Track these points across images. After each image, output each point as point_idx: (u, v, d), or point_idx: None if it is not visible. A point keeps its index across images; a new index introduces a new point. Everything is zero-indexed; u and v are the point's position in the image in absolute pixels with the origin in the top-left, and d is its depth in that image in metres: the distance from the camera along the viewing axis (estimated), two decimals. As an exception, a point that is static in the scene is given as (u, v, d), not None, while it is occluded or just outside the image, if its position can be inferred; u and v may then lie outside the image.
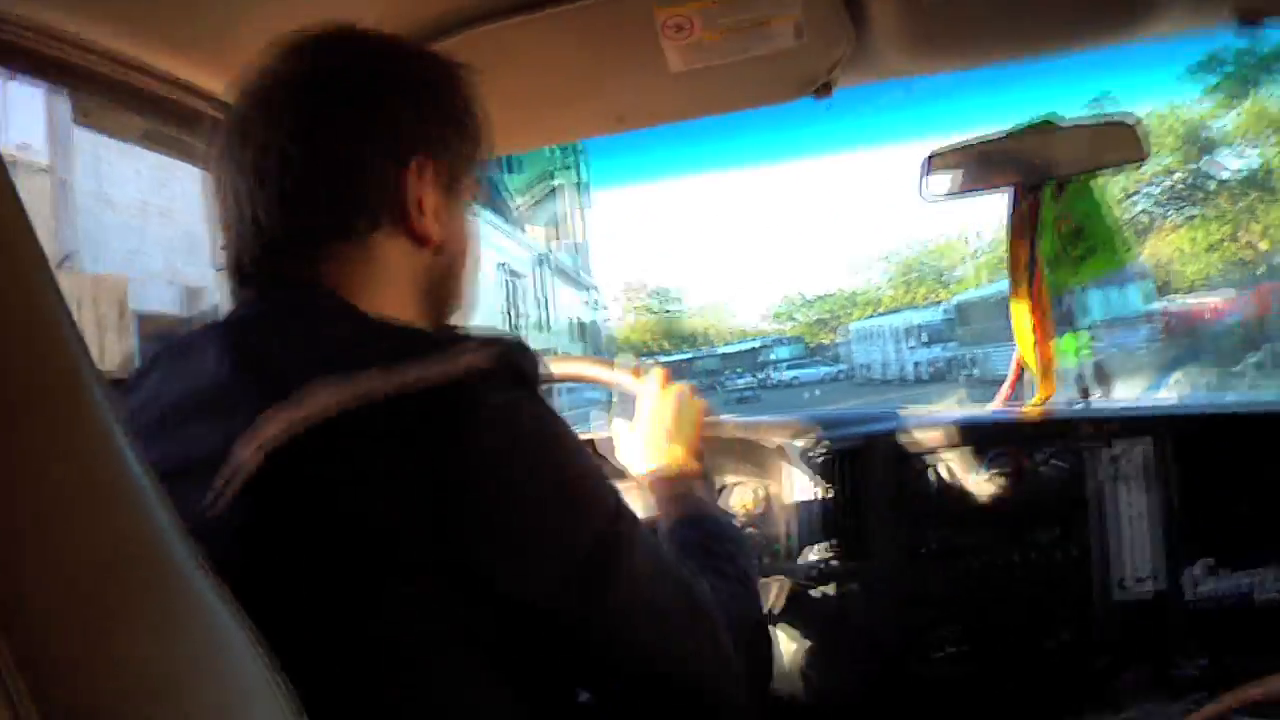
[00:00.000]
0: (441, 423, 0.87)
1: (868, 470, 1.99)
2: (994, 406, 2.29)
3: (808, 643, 1.97)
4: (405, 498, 0.84)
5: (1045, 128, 2.02)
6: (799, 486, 2.04)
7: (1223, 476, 1.84)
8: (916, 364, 36.70)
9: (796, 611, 1.96)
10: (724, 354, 57.32)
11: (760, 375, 49.72)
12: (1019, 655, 1.88)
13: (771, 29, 1.65)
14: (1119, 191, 30.77)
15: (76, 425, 0.56)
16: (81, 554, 0.54)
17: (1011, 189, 2.09)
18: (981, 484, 1.93)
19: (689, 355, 59.15)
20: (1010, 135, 2.04)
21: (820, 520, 2.01)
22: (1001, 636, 1.89)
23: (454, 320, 1.20)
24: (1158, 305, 25.69)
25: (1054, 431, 1.91)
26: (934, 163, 2.05)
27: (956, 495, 1.95)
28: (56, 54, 1.43)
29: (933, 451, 1.98)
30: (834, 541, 1.98)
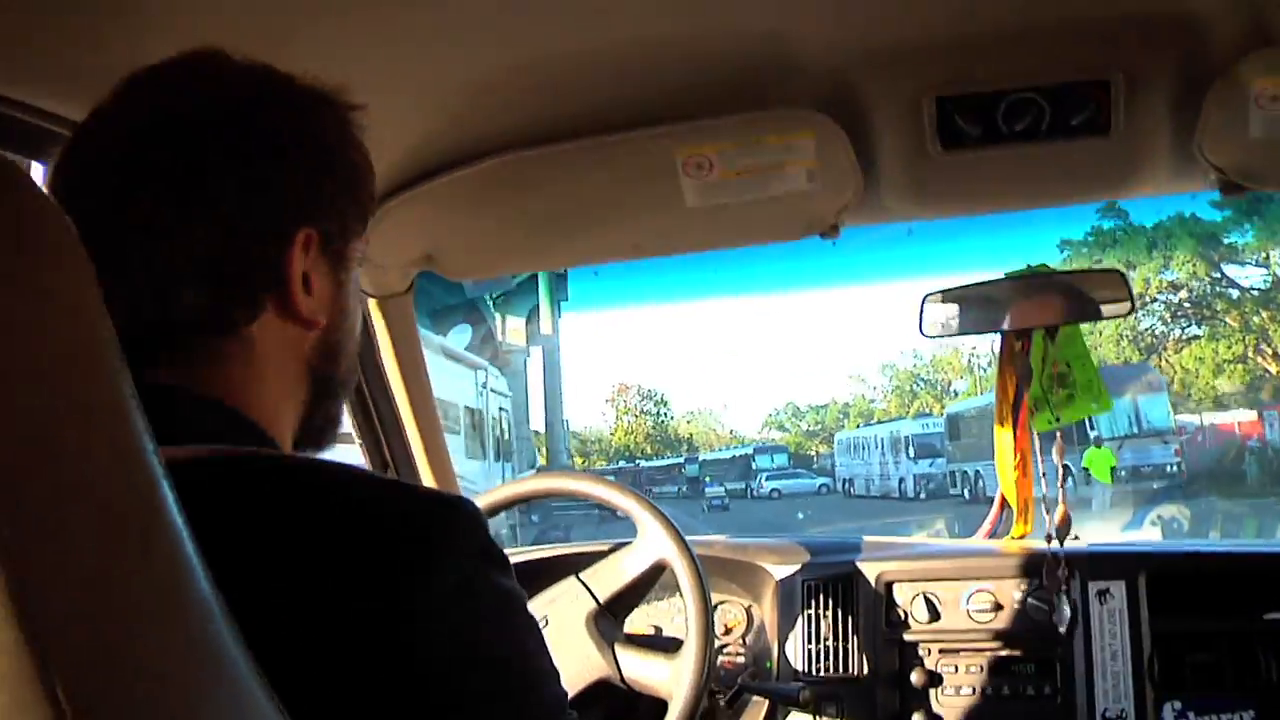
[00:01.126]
0: (394, 584, 0.77)
1: (852, 596, 2.05)
2: (976, 539, 2.35)
3: None
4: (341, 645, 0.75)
5: (1039, 274, 2.11)
6: (784, 609, 2.10)
7: (1198, 617, 1.89)
8: (902, 480, 34.41)
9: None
10: (705, 461, 54.79)
11: (742, 484, 46.99)
12: None
13: (785, 173, 1.73)
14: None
15: (150, 538, 0.57)
16: (153, 660, 0.54)
17: (1003, 332, 2.16)
18: (962, 615, 1.98)
19: (671, 461, 56.95)
20: (1005, 280, 2.12)
21: (804, 643, 2.06)
22: None
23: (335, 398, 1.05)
24: (1174, 422, 24.80)
25: (1033, 568, 1.96)
26: (929, 302, 2.13)
27: (938, 625, 1.99)
28: None
29: (916, 581, 2.03)
30: (816, 664, 2.03)
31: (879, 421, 45.87)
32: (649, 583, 1.84)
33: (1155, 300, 29.34)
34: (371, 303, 2.09)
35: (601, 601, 1.80)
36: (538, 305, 32.33)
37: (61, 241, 0.57)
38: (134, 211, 0.87)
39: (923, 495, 31.94)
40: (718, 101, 1.64)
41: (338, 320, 0.99)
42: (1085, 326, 2.17)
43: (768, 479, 44.65)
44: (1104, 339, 29.81)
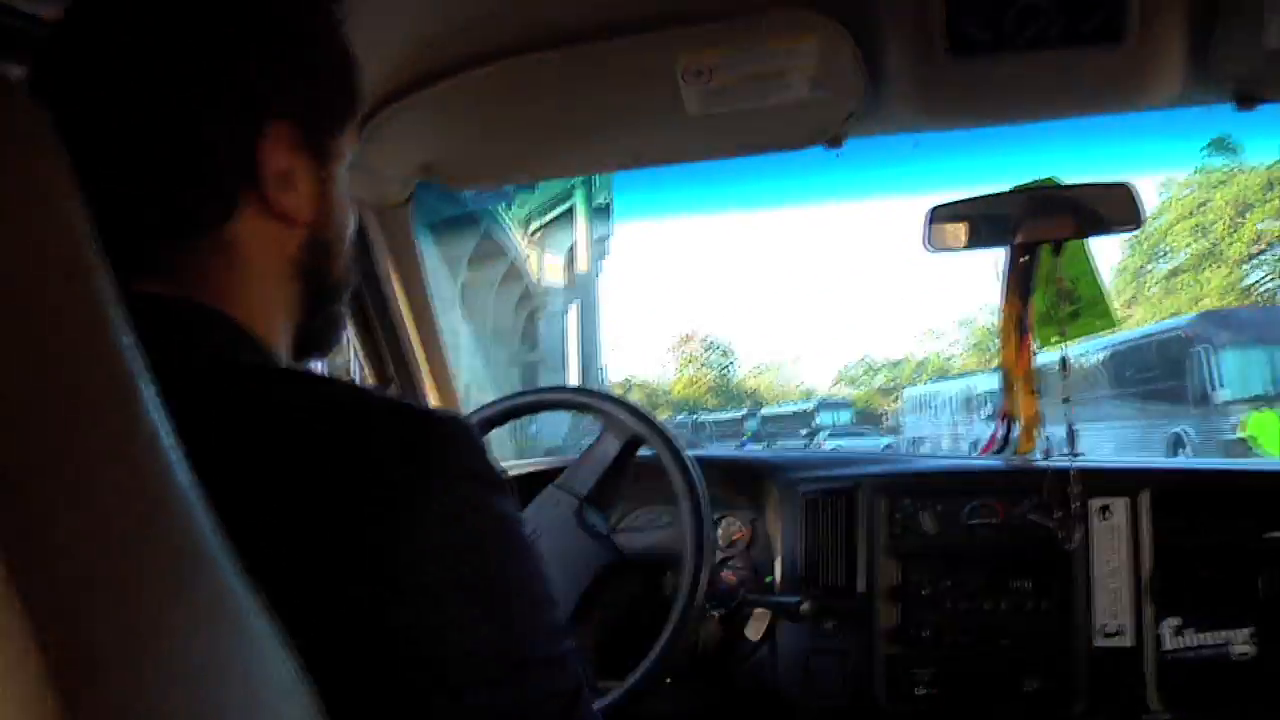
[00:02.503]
0: (388, 504, 0.77)
1: (855, 509, 2.04)
2: (978, 455, 2.34)
3: (789, 675, 2.02)
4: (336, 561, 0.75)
5: (1046, 188, 2.08)
6: (787, 522, 2.10)
7: (1199, 534, 1.89)
8: (975, 443, 29.35)
9: (778, 643, 2.01)
10: (766, 417, 51.29)
11: (802, 443, 41.74)
12: (994, 698, 1.92)
13: (788, 80, 1.70)
14: (1238, 255, 28.13)
15: (127, 428, 0.57)
16: (128, 554, 0.54)
17: (1009, 246, 2.14)
18: (964, 530, 1.98)
19: (731, 415, 54.20)
20: (1012, 194, 2.10)
21: (806, 555, 2.06)
22: (978, 679, 1.93)
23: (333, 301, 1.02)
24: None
25: (1035, 483, 1.96)
26: (936, 216, 2.11)
27: (940, 539, 1.99)
28: None
29: (919, 495, 2.03)
30: (817, 577, 2.04)
31: (952, 376, 41.61)
32: (625, 466, 1.83)
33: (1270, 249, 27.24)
34: (370, 214, 2.07)
35: (583, 496, 1.80)
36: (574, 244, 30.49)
37: (35, 131, 0.56)
38: (103, 111, 0.84)
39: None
40: (718, 6, 1.61)
41: (324, 218, 0.96)
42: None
43: (829, 437, 40.36)
44: (1209, 290, 28.48)
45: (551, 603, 0.87)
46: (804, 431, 44.50)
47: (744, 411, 54.63)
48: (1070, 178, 2.07)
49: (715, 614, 1.97)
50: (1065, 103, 1.86)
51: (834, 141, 1.87)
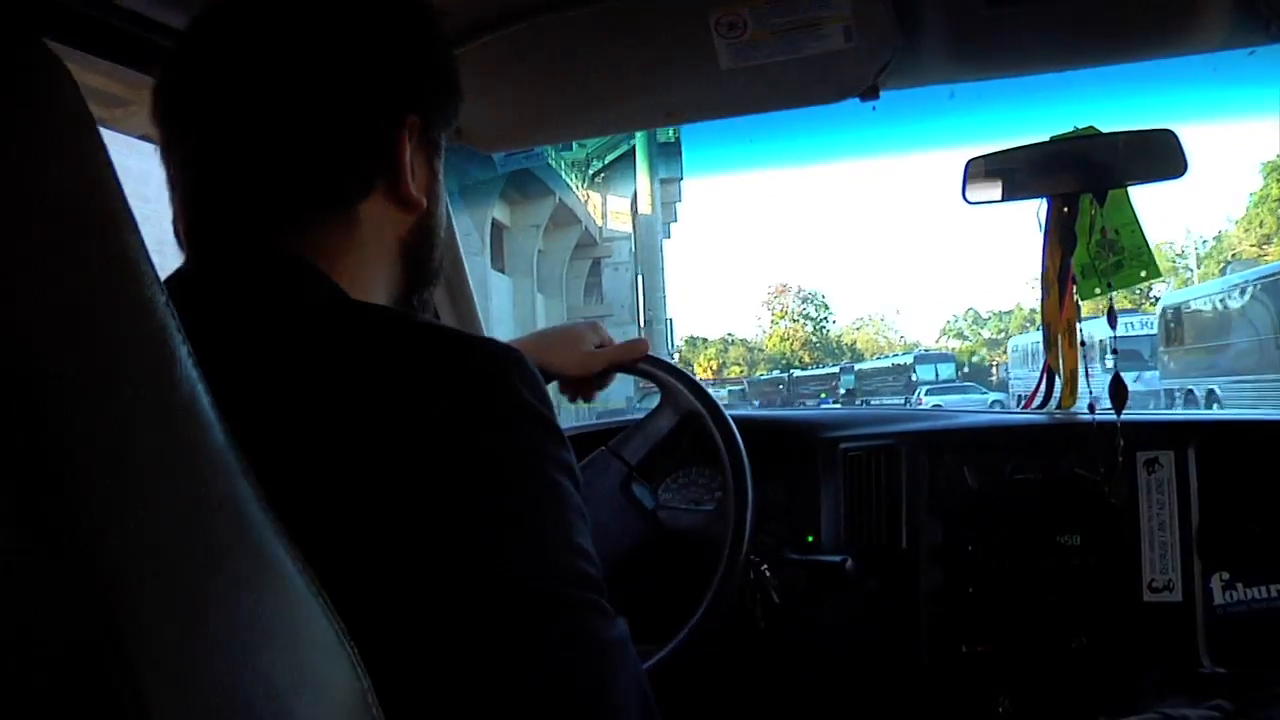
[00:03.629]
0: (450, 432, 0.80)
1: (897, 467, 2.02)
2: (1021, 410, 2.32)
3: (832, 634, 2.01)
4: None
5: (1086, 136, 2.04)
6: (828, 481, 2.08)
7: (1250, 488, 1.86)
8: (1094, 399, 19.03)
9: (822, 603, 2.00)
10: (862, 372, 47.82)
11: (899, 399, 39.50)
12: (1041, 656, 1.91)
13: (822, 30, 1.68)
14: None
15: (164, 389, 0.57)
16: (168, 516, 0.55)
17: (1049, 197, 2.10)
18: (1007, 486, 1.95)
19: (826, 371, 51.11)
20: (1051, 143, 2.06)
21: (848, 515, 2.05)
22: (1024, 636, 1.92)
23: (427, 285, 1.11)
24: None
25: (1080, 437, 1.93)
26: (973, 168, 2.08)
27: (983, 496, 1.97)
28: None
29: (961, 452, 2.01)
30: (859, 536, 2.02)
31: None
32: (678, 441, 1.80)
33: None
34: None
35: (633, 464, 1.78)
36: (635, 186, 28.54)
37: (74, 103, 0.57)
38: (255, 106, 0.93)
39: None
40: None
41: (433, 206, 1.05)
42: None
43: (927, 393, 37.34)
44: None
45: (586, 554, 0.85)
46: (901, 387, 41.70)
47: (837, 368, 51.86)
48: (1113, 126, 2.03)
49: (762, 567, 1.95)
50: (1104, 50, 1.82)
51: (869, 94, 1.84)
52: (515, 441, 0.84)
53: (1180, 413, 2.17)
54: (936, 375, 41.33)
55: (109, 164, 0.57)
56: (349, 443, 0.78)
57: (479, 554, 0.78)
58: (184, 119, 0.97)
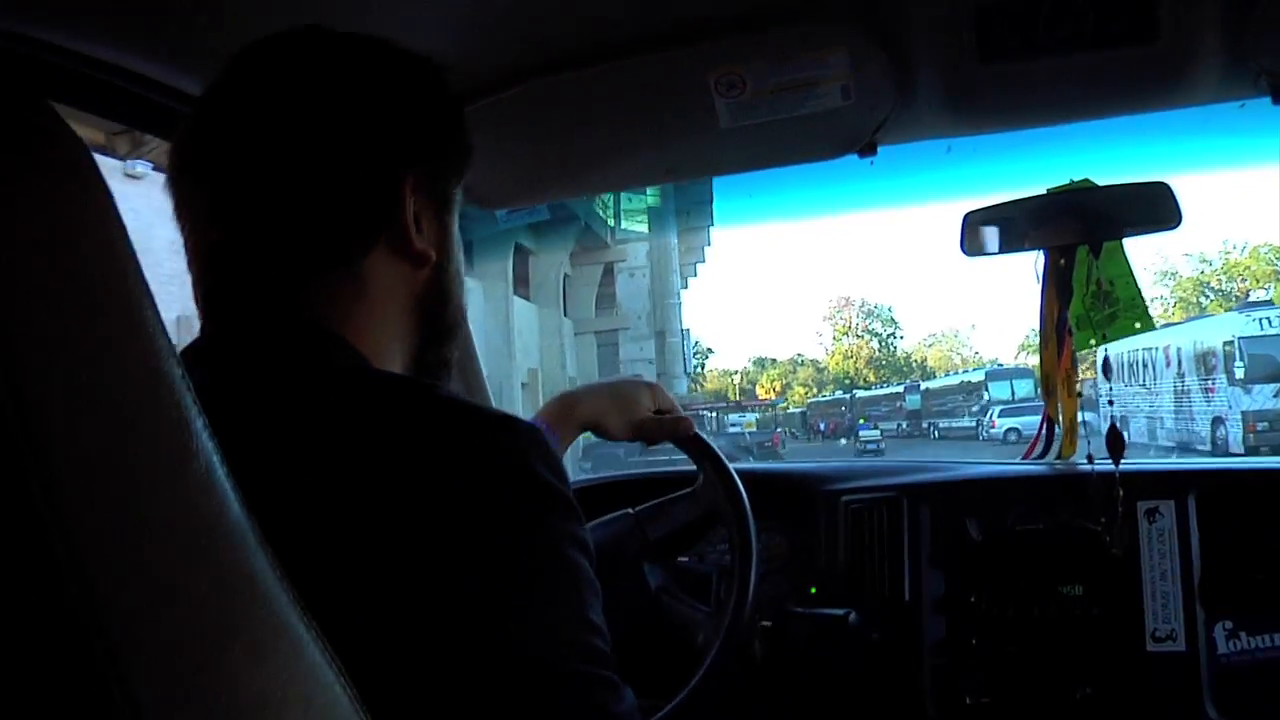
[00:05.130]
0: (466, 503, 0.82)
1: (899, 519, 2.03)
2: (1021, 460, 2.33)
3: (836, 687, 2.01)
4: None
5: (1081, 189, 2.07)
6: (829, 533, 2.09)
7: (1252, 536, 1.87)
8: (1221, 422, 19.88)
9: (826, 656, 2.00)
10: (929, 390, 43.61)
11: (971, 422, 36.03)
12: (1046, 706, 1.90)
13: (820, 89, 1.70)
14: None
15: (181, 462, 0.57)
16: (184, 590, 0.55)
17: (1046, 249, 2.12)
18: (1009, 537, 1.96)
19: (890, 390, 47.34)
20: (1047, 196, 2.08)
21: (849, 567, 2.05)
22: (1029, 687, 1.92)
23: (446, 341, 1.12)
24: None
25: (1081, 488, 1.94)
26: (971, 220, 2.10)
27: (986, 547, 1.98)
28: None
29: (963, 503, 2.02)
30: (862, 588, 2.03)
31: (1169, 324, 29.77)
32: (701, 531, 1.82)
33: None
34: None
35: (653, 541, 1.78)
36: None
37: (80, 161, 0.57)
38: (260, 170, 0.95)
39: (1264, 449, 17.90)
40: (748, 18, 1.61)
41: (444, 261, 1.06)
42: None
43: (1001, 415, 33.37)
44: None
45: (598, 629, 0.87)
46: (973, 408, 37.84)
47: (902, 387, 48.15)
48: (1109, 179, 2.05)
49: (765, 625, 1.96)
50: (1097, 104, 1.85)
51: (867, 150, 1.87)
52: (532, 521, 0.85)
53: (1179, 461, 2.17)
54: (1013, 393, 37.08)
55: (125, 236, 0.58)
56: (365, 517, 0.80)
57: (494, 632, 0.80)
58: (197, 180, 0.99)
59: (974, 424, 33.30)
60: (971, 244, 2.11)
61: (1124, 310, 2.08)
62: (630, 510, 1.79)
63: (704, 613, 1.75)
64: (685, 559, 2.07)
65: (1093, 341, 2.11)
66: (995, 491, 2.03)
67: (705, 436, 1.75)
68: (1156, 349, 24.28)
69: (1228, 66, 1.69)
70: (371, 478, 0.81)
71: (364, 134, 0.98)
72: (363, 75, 1.00)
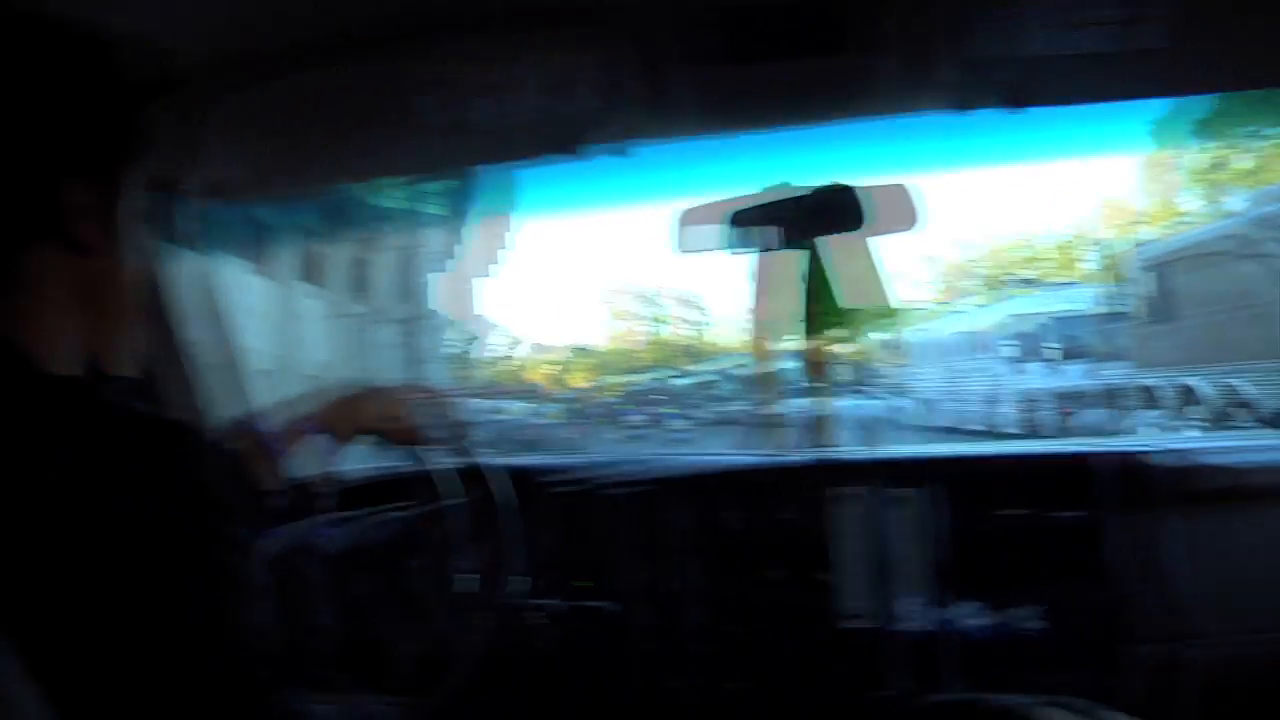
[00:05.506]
0: None
1: (615, 511, 2.07)
2: (743, 452, 2.38)
3: (604, 677, 2.04)
4: None
5: (799, 191, 2.11)
6: (552, 526, 2.10)
7: (988, 519, 1.97)
8: (1030, 402, 18.06)
9: (594, 647, 2.04)
10: (738, 375, 43.64)
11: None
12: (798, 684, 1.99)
13: (526, 92, 1.71)
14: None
15: None
16: None
17: (764, 247, 2.17)
18: (730, 525, 2.03)
19: (697, 379, 44.50)
20: (765, 196, 2.13)
21: (565, 558, 2.07)
22: (778, 668, 1.99)
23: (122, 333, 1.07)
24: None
25: (802, 475, 2.02)
26: (687, 218, 2.13)
27: (704, 536, 2.03)
28: None
29: (682, 494, 2.06)
30: (627, 578, 2.06)
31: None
32: (455, 529, 1.80)
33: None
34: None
35: (400, 542, 1.74)
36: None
37: None
38: None
39: (1077, 430, 15.62)
40: (459, 20, 1.61)
41: (115, 250, 1.01)
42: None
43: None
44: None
45: (257, 631, 0.90)
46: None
47: (717, 372, 44.40)
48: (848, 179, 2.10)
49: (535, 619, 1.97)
50: (797, 111, 1.91)
51: (574, 152, 1.88)
52: (191, 521, 0.86)
53: (919, 449, 2.25)
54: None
55: None
56: (31, 526, 0.79)
57: (154, 631, 0.82)
58: None
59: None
60: (688, 242, 2.13)
61: (864, 305, 2.14)
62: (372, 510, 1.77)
63: (464, 610, 1.75)
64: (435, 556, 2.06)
65: (819, 336, 2.16)
66: (715, 482, 2.08)
67: (468, 439, 1.74)
68: (964, 330, 22.87)
69: (918, 79, 1.77)
70: (33, 486, 0.80)
71: (15, 124, 0.92)
72: (19, 58, 0.94)
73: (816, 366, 2.24)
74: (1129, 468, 1.97)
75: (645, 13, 1.61)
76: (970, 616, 1.93)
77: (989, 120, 1.86)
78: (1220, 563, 1.92)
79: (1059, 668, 1.90)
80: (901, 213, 2.07)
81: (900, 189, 2.06)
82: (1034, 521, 1.96)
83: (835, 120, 1.97)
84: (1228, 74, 1.88)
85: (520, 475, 2.09)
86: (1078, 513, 1.95)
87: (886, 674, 1.93)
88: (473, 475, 1.75)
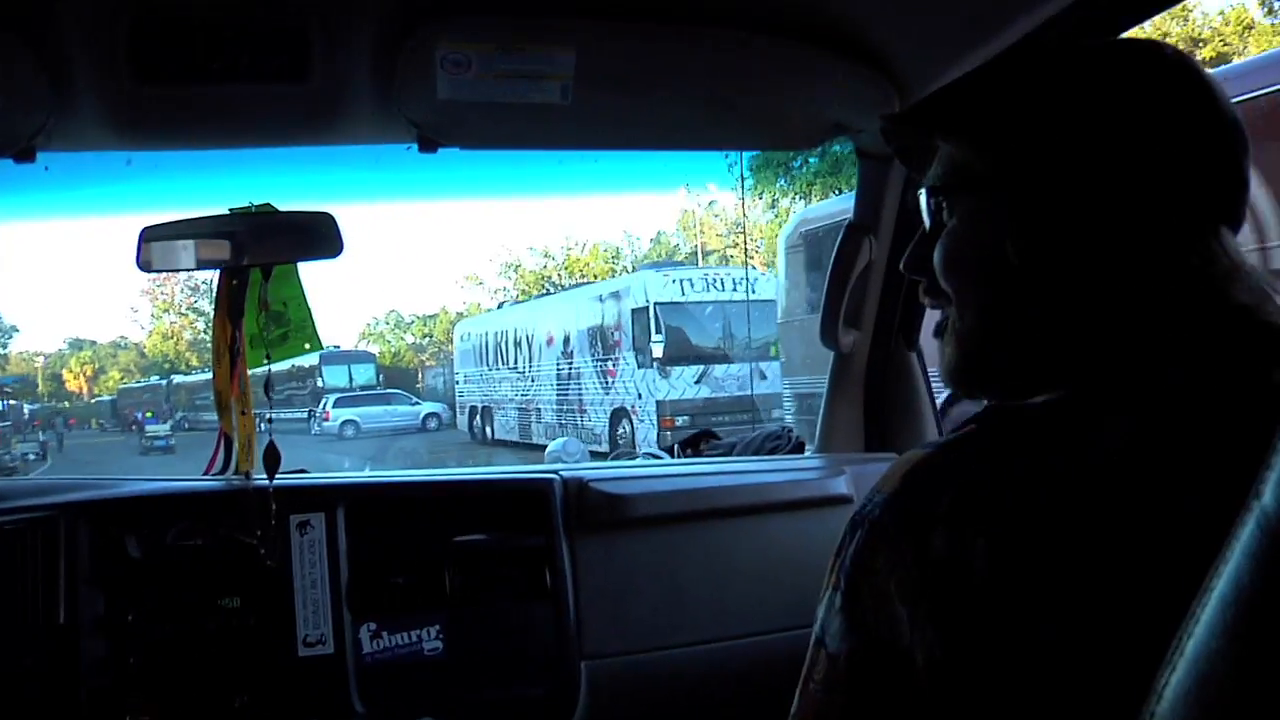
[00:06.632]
0: None
1: (56, 539, 1.95)
2: (201, 476, 2.34)
3: None
4: None
5: (260, 213, 2.11)
6: None
7: (392, 542, 2.04)
8: (625, 411, 17.12)
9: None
10: (255, 376, 37.78)
11: (302, 412, 31.01)
12: (206, 717, 1.93)
13: None
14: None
15: None
16: None
17: (221, 268, 2.15)
18: (170, 552, 1.97)
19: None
20: (227, 216, 2.11)
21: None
22: (192, 701, 1.93)
23: None
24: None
25: (242, 502, 2.01)
26: (150, 236, 2.07)
27: (146, 564, 1.97)
28: None
29: (125, 521, 1.99)
30: (15, 613, 1.92)
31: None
32: None
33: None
34: None
35: None
36: None
37: None
38: None
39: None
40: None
41: None
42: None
43: (336, 405, 29.03)
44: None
45: None
46: (306, 395, 32.91)
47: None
48: (295, 204, 2.12)
49: None
50: (257, 134, 1.94)
51: (24, 155, 1.80)
52: None
53: (331, 476, 2.29)
54: (351, 380, 33.50)
55: None
56: None
57: None
58: None
59: (306, 415, 29.14)
60: (151, 260, 2.08)
61: (295, 331, 2.17)
62: None
63: None
64: None
65: (265, 361, 2.17)
66: (157, 508, 2.03)
67: None
68: (535, 326, 20.62)
69: (379, 113, 1.85)
70: None
71: None
72: None
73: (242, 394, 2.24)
74: (575, 493, 2.12)
75: (85, 13, 1.57)
76: (425, 640, 2.02)
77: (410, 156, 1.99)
78: (652, 583, 2.12)
79: (503, 685, 2.03)
80: (329, 243, 2.09)
81: (327, 217, 2.10)
82: (484, 545, 2.09)
83: (284, 144, 2.02)
84: (621, 135, 2.24)
85: None
86: (528, 536, 2.09)
87: (342, 702, 1.97)
88: None
